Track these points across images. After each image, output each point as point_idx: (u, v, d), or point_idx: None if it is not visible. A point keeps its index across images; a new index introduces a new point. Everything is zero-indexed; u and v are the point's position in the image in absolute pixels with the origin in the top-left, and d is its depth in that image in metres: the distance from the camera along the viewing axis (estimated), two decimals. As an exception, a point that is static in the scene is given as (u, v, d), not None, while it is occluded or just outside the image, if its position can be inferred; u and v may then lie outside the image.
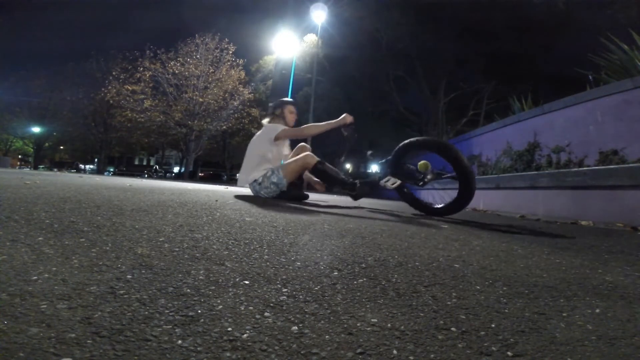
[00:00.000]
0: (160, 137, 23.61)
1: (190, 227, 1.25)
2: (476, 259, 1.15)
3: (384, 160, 2.94)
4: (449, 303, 0.75)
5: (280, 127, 3.07)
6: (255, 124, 21.66)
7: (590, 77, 4.23)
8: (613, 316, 0.73)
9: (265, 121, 3.38)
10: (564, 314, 0.72)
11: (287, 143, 3.32)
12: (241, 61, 20.46)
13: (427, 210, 2.70)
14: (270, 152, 3.04)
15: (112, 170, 32.32)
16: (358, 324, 0.62)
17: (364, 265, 0.98)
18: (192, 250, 0.98)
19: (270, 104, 3.55)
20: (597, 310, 0.75)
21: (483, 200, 4.86)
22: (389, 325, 0.62)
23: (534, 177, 3.77)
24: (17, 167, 27.45)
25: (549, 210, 3.52)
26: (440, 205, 2.59)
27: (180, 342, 0.51)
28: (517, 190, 4.10)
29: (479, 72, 16.58)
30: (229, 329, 0.56)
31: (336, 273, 0.90)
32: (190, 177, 23.86)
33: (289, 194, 2.90)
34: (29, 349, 0.45)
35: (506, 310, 0.73)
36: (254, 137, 3.21)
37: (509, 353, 0.55)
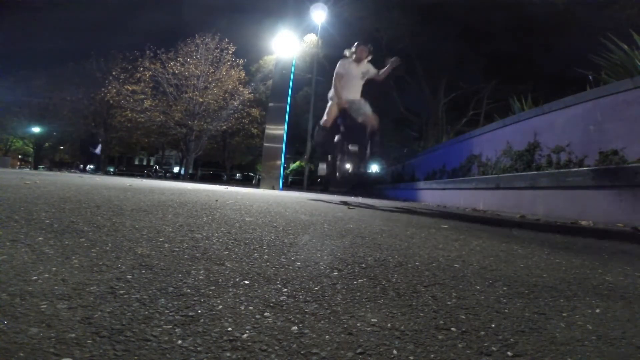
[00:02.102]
0: (160, 137, 23.61)
1: (190, 227, 1.25)
2: (476, 259, 1.15)
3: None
4: (449, 303, 0.75)
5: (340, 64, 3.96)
6: (255, 124, 21.64)
7: (590, 77, 4.22)
8: (613, 316, 0.73)
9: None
10: (564, 314, 0.72)
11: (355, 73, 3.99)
12: (241, 61, 20.47)
13: None
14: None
15: (111, 170, 32.33)
16: (358, 324, 0.62)
17: (364, 265, 0.98)
18: (192, 250, 0.98)
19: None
20: (597, 310, 0.75)
21: (483, 200, 4.86)
22: (389, 325, 0.62)
23: (534, 177, 3.77)
24: (17, 167, 27.44)
25: (549, 210, 3.51)
26: None
27: (180, 342, 0.51)
28: (517, 190, 4.10)
29: (479, 72, 16.60)
30: (229, 329, 0.56)
31: (336, 273, 0.90)
32: (190, 178, 23.81)
33: None
34: (29, 349, 0.45)
35: (506, 310, 0.73)
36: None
37: (509, 353, 0.55)
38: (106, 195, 1.90)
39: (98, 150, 13.66)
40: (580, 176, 3.14)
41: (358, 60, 4.13)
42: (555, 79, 13.18)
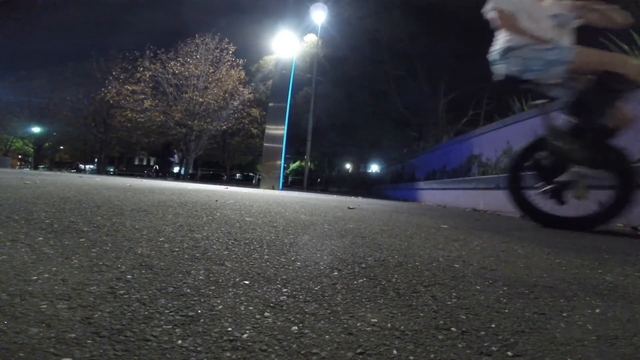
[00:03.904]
0: (160, 137, 23.63)
1: (190, 227, 1.25)
2: (476, 259, 1.15)
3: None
4: (449, 303, 0.75)
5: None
6: (255, 124, 21.66)
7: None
8: (613, 316, 0.73)
9: None
10: (564, 314, 0.72)
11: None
12: (241, 61, 20.50)
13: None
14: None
15: (112, 170, 32.35)
16: (358, 324, 0.62)
17: (364, 265, 0.98)
18: (192, 250, 0.98)
19: None
20: (597, 310, 0.75)
21: (483, 200, 4.86)
22: (389, 325, 0.62)
23: (534, 177, 3.77)
24: (17, 167, 27.46)
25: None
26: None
27: (180, 342, 0.51)
28: (517, 190, 4.09)
29: (479, 72, 16.62)
30: (229, 329, 0.56)
31: (336, 273, 0.90)
32: (190, 178, 23.81)
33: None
34: (29, 349, 0.45)
35: (506, 310, 0.73)
36: None
37: (509, 353, 0.55)
38: (106, 195, 1.90)
39: (175, 158, 14.83)
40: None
41: None
42: (555, 79, 13.14)
